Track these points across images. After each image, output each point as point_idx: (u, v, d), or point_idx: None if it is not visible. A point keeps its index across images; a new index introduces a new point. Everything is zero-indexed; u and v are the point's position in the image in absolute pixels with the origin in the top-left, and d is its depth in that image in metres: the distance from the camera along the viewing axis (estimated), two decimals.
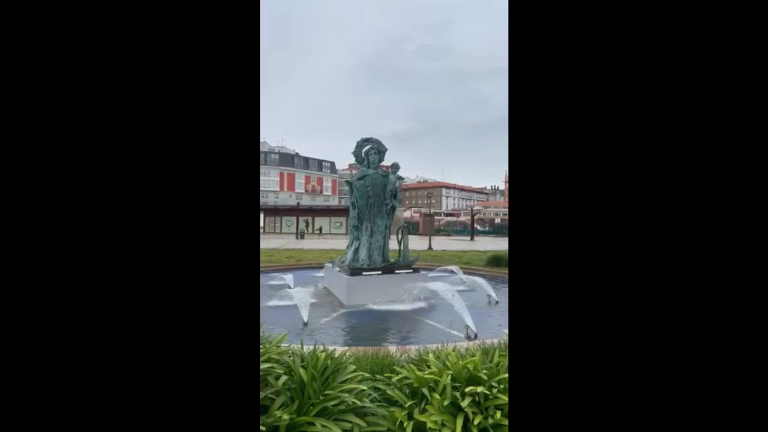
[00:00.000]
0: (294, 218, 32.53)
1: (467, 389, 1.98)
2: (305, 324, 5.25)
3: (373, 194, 7.26)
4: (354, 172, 8.24)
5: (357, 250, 7.28)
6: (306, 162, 67.89)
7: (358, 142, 7.65)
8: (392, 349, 3.39)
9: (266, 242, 20.53)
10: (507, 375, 2.02)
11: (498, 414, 1.84)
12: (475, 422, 1.82)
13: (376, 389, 2.25)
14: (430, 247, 17.85)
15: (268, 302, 6.41)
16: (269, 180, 60.86)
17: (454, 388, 2.04)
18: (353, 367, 2.36)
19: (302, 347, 2.45)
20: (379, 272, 6.93)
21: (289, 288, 7.23)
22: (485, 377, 2.09)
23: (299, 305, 5.59)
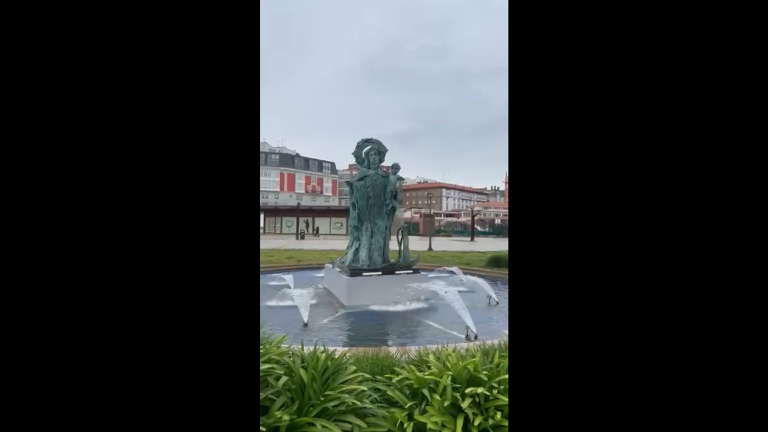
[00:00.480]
0: (294, 219, 32.55)
1: (467, 390, 1.97)
2: (305, 324, 5.25)
3: (374, 195, 7.26)
4: (354, 172, 8.25)
5: (357, 250, 7.28)
6: (306, 162, 67.92)
7: (358, 143, 7.65)
8: (392, 349, 3.38)
9: (266, 243, 20.53)
10: (507, 376, 2.01)
11: (498, 415, 1.84)
12: (476, 423, 1.82)
13: (377, 390, 2.25)
14: (430, 248, 17.85)
15: (268, 303, 6.41)
16: (269, 180, 60.88)
17: (455, 389, 2.03)
18: (353, 367, 2.36)
19: (302, 348, 2.45)
20: (380, 273, 6.92)
21: (289, 288, 7.23)
22: (485, 378, 2.09)
23: (299, 306, 5.59)
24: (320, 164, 70.38)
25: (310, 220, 34.47)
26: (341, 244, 15.81)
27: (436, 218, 41.27)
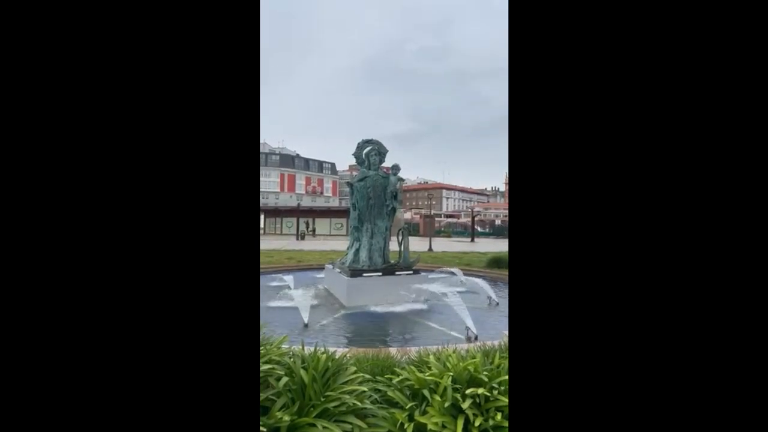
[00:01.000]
0: (294, 219, 32.55)
1: (468, 391, 1.97)
2: (306, 325, 5.25)
3: (374, 195, 7.26)
4: (355, 173, 8.25)
5: (357, 251, 7.28)
6: (306, 163, 67.96)
7: (358, 144, 7.66)
8: (393, 350, 3.38)
9: (267, 243, 20.53)
10: (507, 377, 2.01)
11: (499, 416, 1.84)
12: (476, 424, 1.81)
13: (377, 391, 2.25)
14: (430, 249, 17.84)
15: (268, 303, 6.41)
16: (270, 181, 60.91)
17: (455, 390, 2.03)
18: (354, 368, 2.36)
19: (303, 348, 2.45)
20: (380, 273, 6.92)
21: (290, 289, 7.23)
22: (486, 379, 2.09)
23: (300, 306, 5.59)
24: (320, 165, 70.41)
25: (310, 220, 34.47)
26: (341, 244, 15.81)
27: (436, 219, 41.25)
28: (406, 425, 1.88)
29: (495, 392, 1.99)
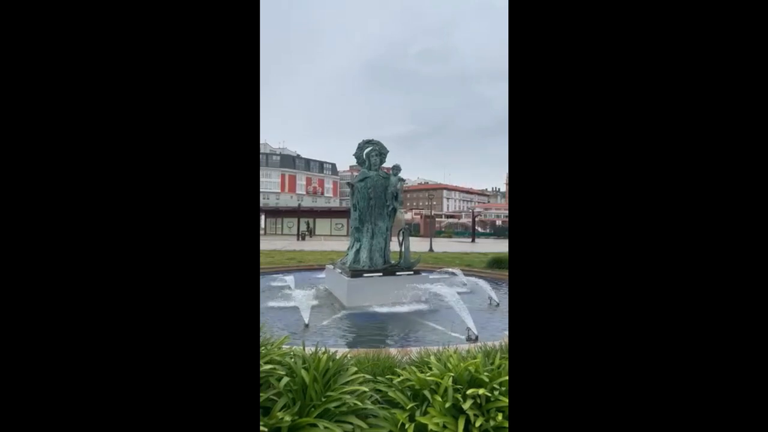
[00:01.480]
0: (295, 219, 32.56)
1: (469, 391, 1.97)
2: (306, 325, 5.25)
3: (374, 196, 7.26)
4: (355, 173, 8.25)
5: (358, 251, 7.28)
6: (307, 163, 67.99)
7: (359, 144, 7.66)
8: (393, 350, 3.38)
9: (267, 243, 20.54)
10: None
11: (500, 416, 1.84)
12: (477, 424, 1.82)
13: (378, 391, 2.25)
14: (431, 249, 17.83)
15: (269, 303, 6.41)
16: (270, 181, 60.94)
17: (456, 391, 2.03)
18: (355, 368, 2.36)
19: (304, 349, 2.45)
20: (380, 274, 6.92)
21: (291, 289, 7.23)
22: (487, 379, 2.09)
23: (300, 307, 5.59)
24: (321, 165, 70.44)
25: (311, 221, 34.48)
26: (342, 245, 15.82)
27: (437, 219, 41.25)
28: (407, 426, 1.88)
29: (496, 393, 1.99)
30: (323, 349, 2.48)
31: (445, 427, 1.84)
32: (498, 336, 4.21)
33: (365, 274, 6.82)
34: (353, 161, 8.07)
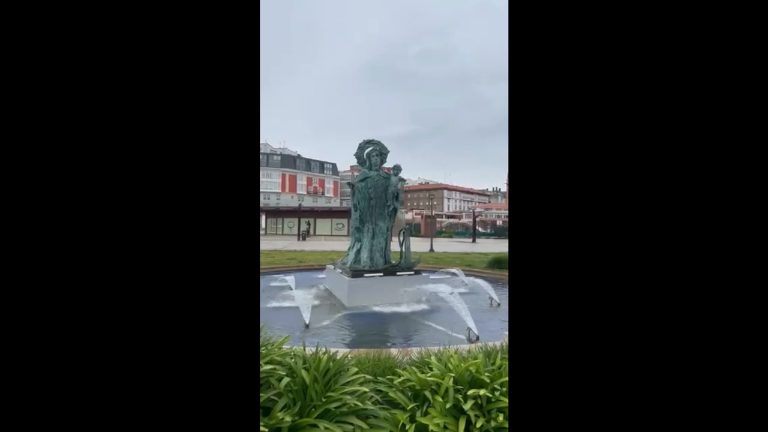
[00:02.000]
0: (296, 220, 32.57)
1: (469, 392, 1.97)
2: (307, 326, 5.25)
3: (375, 196, 7.26)
4: (356, 173, 8.25)
5: (359, 251, 7.28)
6: (308, 164, 68.06)
7: (360, 144, 7.66)
8: (394, 351, 3.38)
9: (268, 243, 20.55)
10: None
11: (500, 417, 1.83)
12: (478, 425, 1.81)
13: (378, 391, 2.25)
14: (431, 249, 17.83)
15: (270, 304, 6.41)
16: (271, 181, 61.01)
17: (457, 391, 2.03)
18: (355, 369, 2.36)
19: (304, 349, 2.45)
20: (381, 274, 6.92)
21: (291, 289, 7.23)
22: (487, 380, 2.08)
23: (301, 307, 5.59)
24: (322, 165, 70.50)
25: (311, 221, 34.49)
26: (342, 245, 15.82)
27: (437, 219, 41.25)
28: (407, 426, 1.88)
29: (497, 393, 1.99)
30: (324, 349, 2.48)
31: (445, 427, 1.84)
32: (499, 336, 4.20)
33: (366, 275, 6.82)
34: (354, 161, 8.08)
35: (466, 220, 44.78)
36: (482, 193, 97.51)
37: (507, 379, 2.08)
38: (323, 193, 68.47)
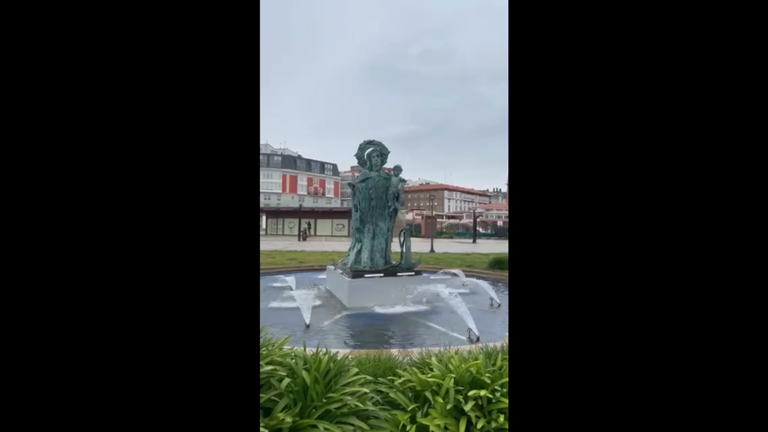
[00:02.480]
0: (296, 220, 32.58)
1: (470, 393, 1.97)
2: (307, 326, 5.25)
3: (375, 196, 7.26)
4: (356, 174, 8.25)
5: (359, 252, 7.28)
6: (308, 164, 68.09)
7: (360, 145, 7.66)
8: (394, 351, 3.37)
9: (269, 244, 20.55)
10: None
11: (501, 418, 1.83)
12: (479, 426, 1.81)
13: (379, 392, 2.25)
14: (432, 250, 17.82)
15: (270, 304, 6.41)
16: (272, 182, 61.05)
17: (457, 392, 2.03)
18: (356, 369, 2.35)
19: (305, 349, 2.44)
20: (381, 274, 6.92)
21: (292, 290, 7.23)
22: (488, 381, 2.08)
23: (301, 307, 5.59)
24: (322, 166, 70.53)
25: (312, 221, 34.50)
26: (343, 245, 15.82)
27: (438, 220, 41.24)
28: (408, 427, 1.88)
29: (497, 394, 1.99)
30: (324, 349, 2.48)
31: (446, 428, 1.84)
32: (499, 337, 4.19)
33: (366, 275, 6.81)
34: (354, 162, 8.07)
35: (467, 220, 44.77)
36: (483, 194, 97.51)
37: (507, 379, 2.08)
38: (324, 194, 68.51)
